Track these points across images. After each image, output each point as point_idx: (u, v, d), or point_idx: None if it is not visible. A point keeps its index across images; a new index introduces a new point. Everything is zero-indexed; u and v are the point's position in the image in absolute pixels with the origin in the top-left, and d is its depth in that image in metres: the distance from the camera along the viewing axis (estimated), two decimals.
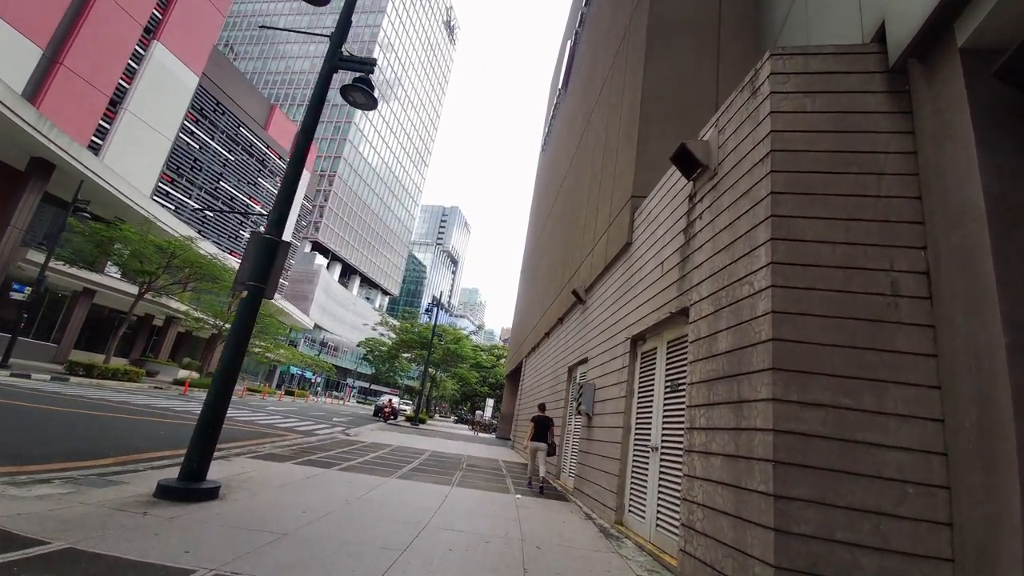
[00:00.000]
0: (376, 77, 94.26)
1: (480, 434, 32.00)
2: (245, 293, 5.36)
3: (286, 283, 64.45)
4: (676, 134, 6.61)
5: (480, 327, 52.40)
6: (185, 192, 40.00)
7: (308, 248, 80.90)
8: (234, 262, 36.64)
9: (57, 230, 19.82)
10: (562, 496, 8.35)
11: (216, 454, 7.69)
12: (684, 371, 5.10)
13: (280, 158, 51.54)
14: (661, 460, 5.23)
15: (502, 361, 45.22)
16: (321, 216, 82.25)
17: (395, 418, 32.15)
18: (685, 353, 5.18)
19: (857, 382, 3.29)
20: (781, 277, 3.58)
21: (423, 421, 31.19)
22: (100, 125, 30.38)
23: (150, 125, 32.97)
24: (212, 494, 4.81)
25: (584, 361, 9.65)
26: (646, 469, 5.58)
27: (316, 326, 70.83)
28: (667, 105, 7.71)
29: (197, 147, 40.63)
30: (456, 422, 49.24)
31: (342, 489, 6.16)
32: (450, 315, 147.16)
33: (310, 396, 56.76)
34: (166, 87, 33.87)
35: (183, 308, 32.91)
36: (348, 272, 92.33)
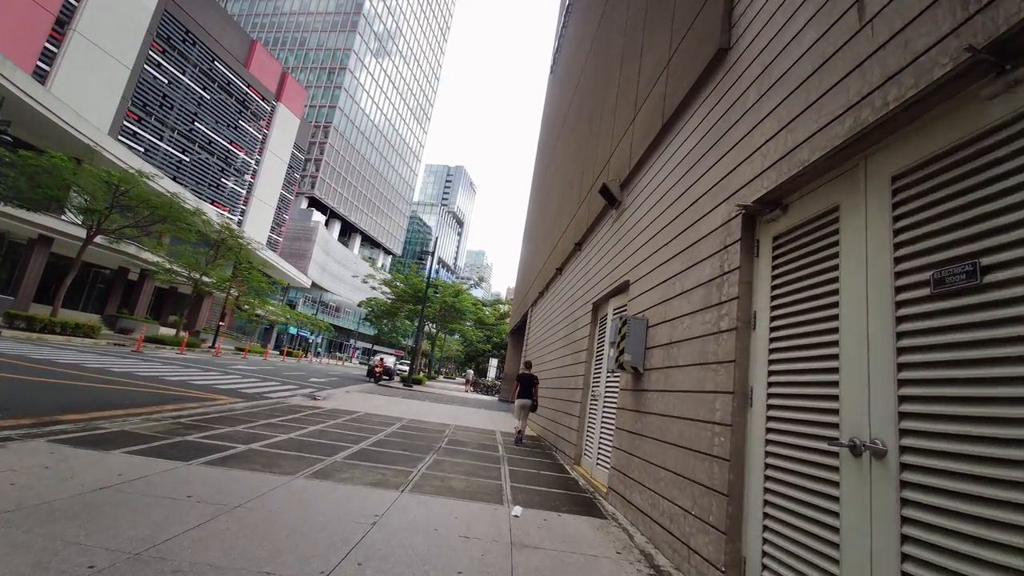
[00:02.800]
0: (377, 28, 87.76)
1: (478, 395, 29.17)
2: None
3: (281, 239, 61.15)
4: None
5: (481, 279, 48.52)
6: (155, 133, 36.17)
7: (305, 204, 77.14)
8: (209, 209, 33.25)
9: None
10: (589, 503, 5.12)
11: (18, 431, 4.56)
12: (974, 235, 1.68)
13: (263, 99, 47.17)
14: (904, 484, 1.88)
15: (507, 321, 42.12)
16: (317, 170, 78.03)
17: (390, 378, 29.45)
18: (966, 189, 1.74)
19: None
20: None
21: (419, 382, 28.38)
22: (46, 48, 26.40)
23: (104, 50, 28.89)
24: None
25: (622, 290, 6.26)
26: (831, 498, 2.25)
27: (314, 285, 67.97)
28: None
29: (166, 82, 36.48)
30: (473, 388, 42.42)
31: (133, 523, 2.93)
32: (456, 277, 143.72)
33: (311, 356, 54.41)
34: (119, 6, 29.53)
35: (155, 260, 29.75)
36: (348, 230, 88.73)
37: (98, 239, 24.30)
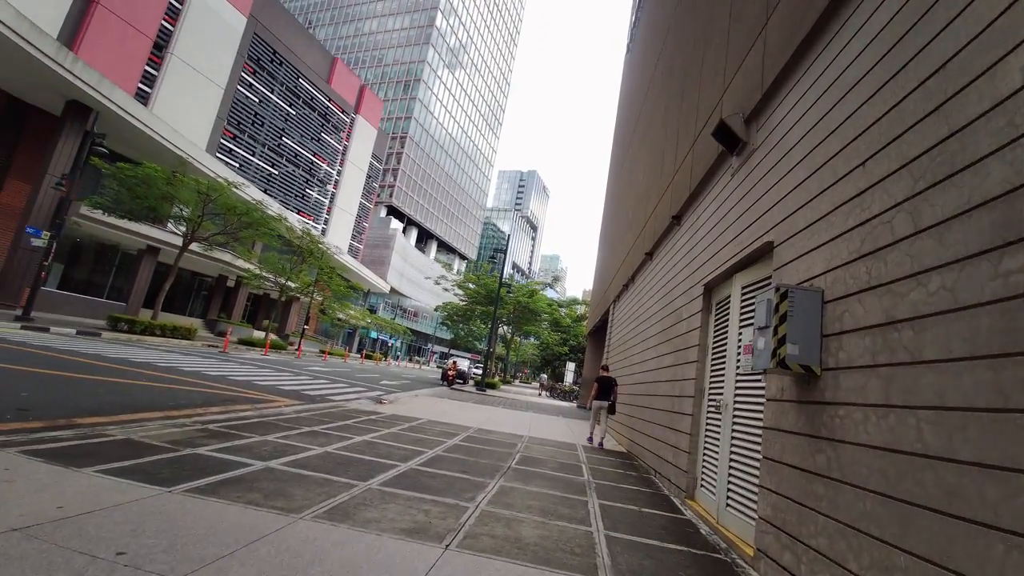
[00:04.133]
0: (450, 41, 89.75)
1: (554, 400, 27.53)
2: None
3: (362, 247, 63.64)
4: None
5: (556, 279, 46.34)
6: (248, 149, 38.60)
7: (383, 213, 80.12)
8: (292, 216, 34.68)
9: (75, 169, 17.66)
10: (731, 574, 3.41)
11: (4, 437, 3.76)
12: None
13: (343, 112, 49.14)
14: None
15: (584, 324, 40.14)
16: (395, 180, 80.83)
17: (464, 382, 28.79)
18: None
19: None
20: None
21: (493, 386, 27.32)
22: (146, 71, 28.79)
23: (199, 71, 31.08)
24: None
25: (758, 257, 4.46)
26: None
27: (393, 290, 70.10)
28: None
29: (257, 100, 38.87)
30: (549, 393, 35.02)
31: None
32: (529, 280, 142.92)
33: (389, 360, 55.76)
34: (212, 29, 31.70)
35: (246, 266, 31.43)
36: (425, 237, 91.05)
37: (194, 247, 25.86)
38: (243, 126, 37.96)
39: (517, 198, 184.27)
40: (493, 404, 16.02)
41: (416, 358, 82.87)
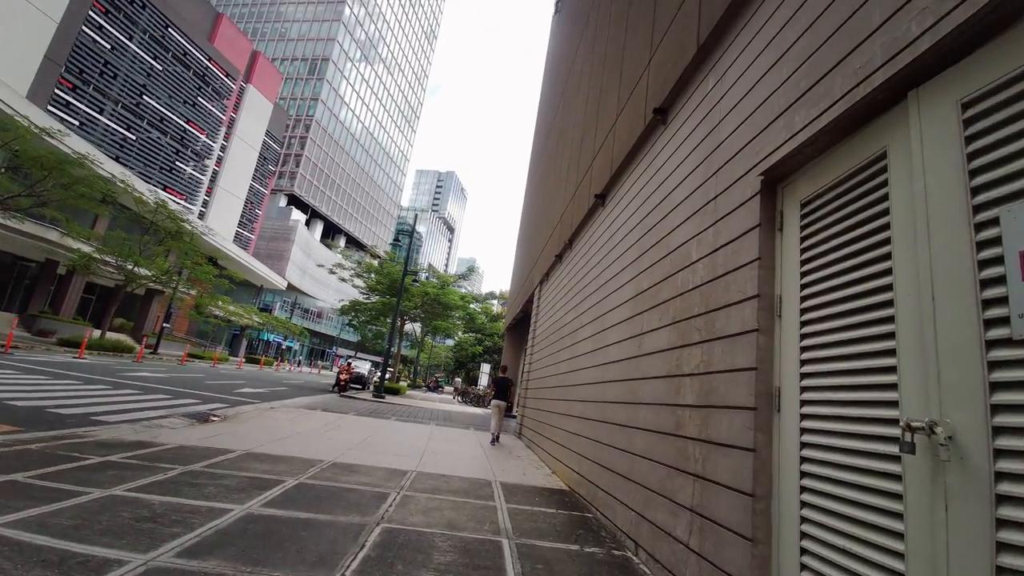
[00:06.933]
0: (358, 37, 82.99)
1: (466, 406, 24.08)
2: None
3: (254, 237, 55.84)
4: None
5: (471, 270, 41.99)
6: (94, 105, 31.10)
7: (283, 202, 71.97)
8: (143, 187, 28.25)
9: None
10: None
11: None
12: None
13: (227, 76, 42.22)
14: None
15: (500, 323, 37.22)
16: (297, 166, 73.03)
17: (363, 388, 24.52)
18: None
19: None
20: None
21: (397, 391, 23.38)
22: None
23: None
24: None
25: None
26: None
27: (291, 287, 62.66)
28: None
29: (108, 47, 31.51)
30: (462, 398, 31.57)
31: None
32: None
33: (278, 364, 48.88)
34: None
35: (76, 246, 24.58)
36: (332, 232, 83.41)
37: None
38: (87, 76, 30.49)
39: (435, 199, 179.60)
40: (385, 416, 12.32)
41: (318, 362, 75.27)
